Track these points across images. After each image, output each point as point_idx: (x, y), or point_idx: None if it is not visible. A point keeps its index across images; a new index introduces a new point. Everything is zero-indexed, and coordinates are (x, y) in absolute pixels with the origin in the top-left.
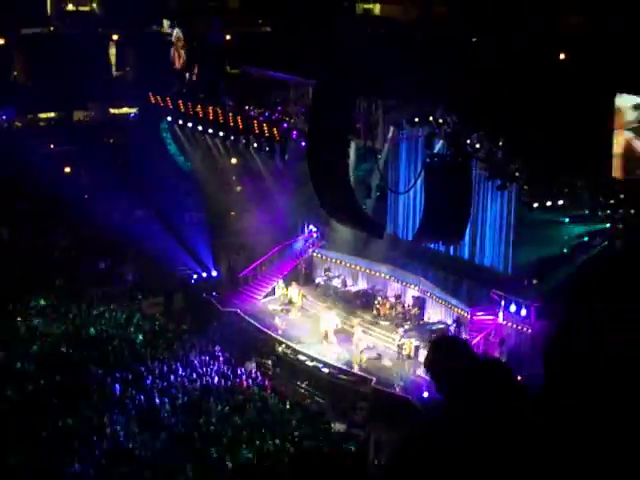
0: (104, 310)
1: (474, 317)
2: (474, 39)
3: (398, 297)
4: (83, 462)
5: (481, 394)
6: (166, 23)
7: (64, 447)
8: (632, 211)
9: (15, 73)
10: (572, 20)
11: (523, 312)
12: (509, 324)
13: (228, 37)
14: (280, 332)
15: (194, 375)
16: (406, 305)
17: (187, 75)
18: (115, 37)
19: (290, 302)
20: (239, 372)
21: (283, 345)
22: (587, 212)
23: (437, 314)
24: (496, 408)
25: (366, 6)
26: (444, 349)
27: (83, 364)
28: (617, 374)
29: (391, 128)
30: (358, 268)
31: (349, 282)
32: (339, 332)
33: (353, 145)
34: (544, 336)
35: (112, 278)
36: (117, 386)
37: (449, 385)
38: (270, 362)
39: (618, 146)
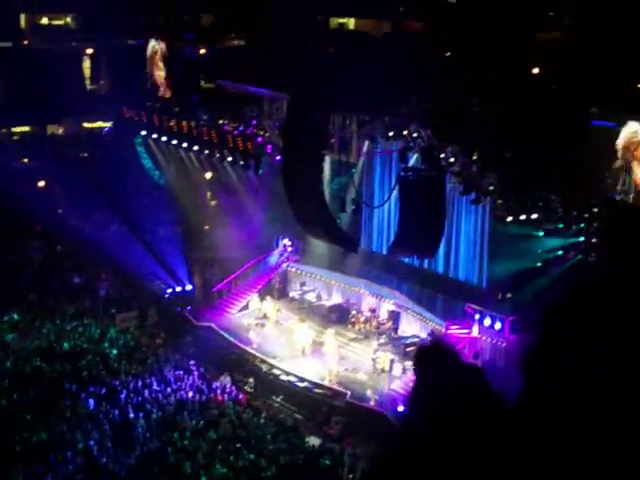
0: (78, 325)
1: (448, 331)
2: (448, 54)
3: (373, 311)
4: (57, 478)
5: (463, 402)
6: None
7: (38, 463)
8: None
9: None
10: (548, 36)
11: (497, 326)
12: (484, 338)
13: (202, 51)
14: (255, 346)
15: (168, 390)
16: (381, 319)
17: (162, 89)
18: (89, 51)
19: (265, 316)
20: (214, 386)
21: (257, 359)
22: (561, 226)
23: (412, 328)
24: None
25: (340, 20)
26: (433, 355)
27: (57, 379)
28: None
29: (365, 142)
30: (333, 282)
31: (324, 296)
32: (314, 345)
33: (328, 159)
34: (523, 349)
35: (86, 293)
36: (91, 401)
37: (433, 388)
38: (244, 376)
39: None
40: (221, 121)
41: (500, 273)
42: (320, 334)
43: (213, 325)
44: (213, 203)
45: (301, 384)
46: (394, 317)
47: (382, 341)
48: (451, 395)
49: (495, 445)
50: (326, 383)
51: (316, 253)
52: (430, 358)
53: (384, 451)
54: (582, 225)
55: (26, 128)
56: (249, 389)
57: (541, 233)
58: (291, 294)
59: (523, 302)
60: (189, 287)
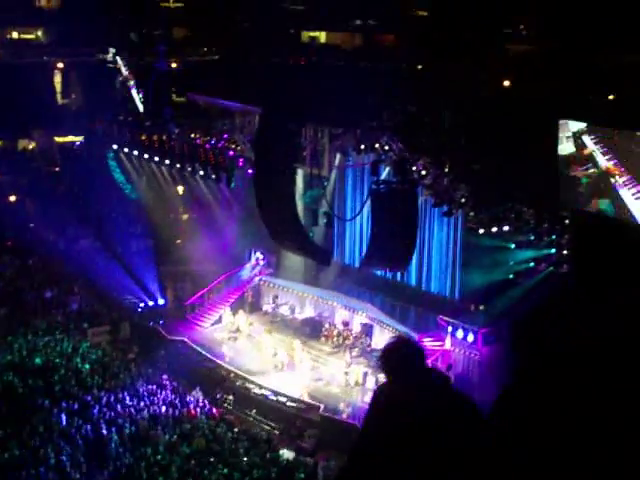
0: (50, 339)
1: (421, 343)
2: (419, 67)
3: (346, 324)
4: None
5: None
6: (111, 52)
7: (11, 478)
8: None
9: None
10: (519, 48)
11: (470, 338)
12: (456, 350)
13: (174, 65)
14: (227, 360)
15: (141, 404)
16: (354, 332)
17: (134, 103)
18: (60, 65)
19: (237, 330)
20: (187, 401)
21: (231, 373)
22: (533, 238)
23: (385, 341)
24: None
25: (311, 34)
26: (397, 354)
27: (29, 394)
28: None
29: (337, 155)
30: (306, 295)
31: (297, 309)
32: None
33: (301, 172)
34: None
35: (58, 307)
36: (63, 416)
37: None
38: (224, 393)
39: None
40: (193, 135)
41: (472, 285)
42: (290, 347)
43: (186, 339)
44: (185, 217)
45: (274, 397)
46: (367, 330)
47: (355, 354)
48: (418, 400)
49: (466, 455)
50: (301, 395)
51: (289, 266)
52: (395, 358)
53: (345, 462)
54: (553, 237)
55: None
56: (228, 406)
57: (513, 245)
58: (264, 307)
59: (496, 314)
60: (161, 301)
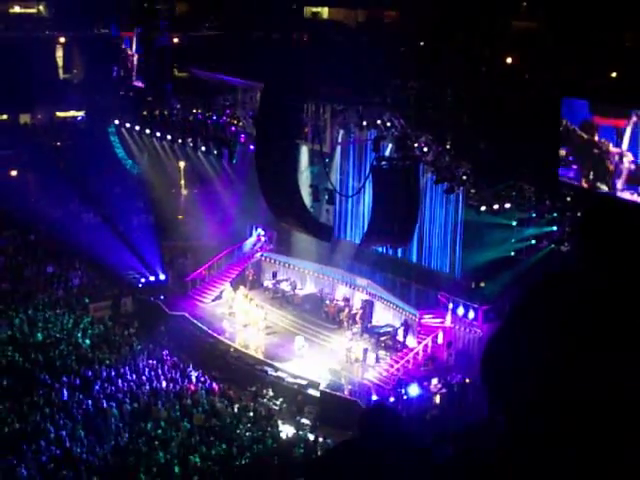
0: (51, 315)
1: (422, 320)
2: (422, 43)
3: (346, 300)
4: (30, 467)
5: None
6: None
7: (11, 452)
8: (579, 214)
9: None
10: (522, 25)
11: (471, 314)
12: (457, 326)
13: (176, 40)
14: (227, 335)
15: (142, 379)
16: (354, 308)
17: (135, 78)
18: (62, 39)
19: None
20: (187, 376)
21: (231, 349)
22: (534, 215)
23: (385, 317)
24: None
25: (314, 9)
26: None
27: (30, 369)
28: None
29: (340, 131)
30: (306, 271)
31: (298, 285)
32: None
33: (305, 149)
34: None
35: (60, 282)
36: (64, 391)
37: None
38: (218, 365)
39: None
40: (194, 110)
41: (473, 262)
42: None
43: (187, 314)
44: (186, 192)
45: (275, 373)
46: (368, 306)
47: (356, 330)
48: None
49: None
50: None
51: (290, 242)
52: (370, 422)
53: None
54: (555, 214)
55: None
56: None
57: (514, 222)
58: (265, 283)
59: (496, 291)
60: (163, 277)
